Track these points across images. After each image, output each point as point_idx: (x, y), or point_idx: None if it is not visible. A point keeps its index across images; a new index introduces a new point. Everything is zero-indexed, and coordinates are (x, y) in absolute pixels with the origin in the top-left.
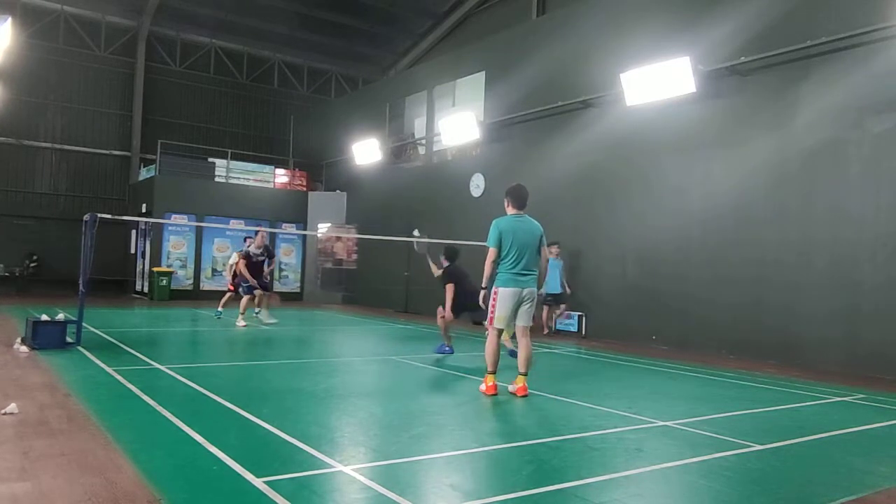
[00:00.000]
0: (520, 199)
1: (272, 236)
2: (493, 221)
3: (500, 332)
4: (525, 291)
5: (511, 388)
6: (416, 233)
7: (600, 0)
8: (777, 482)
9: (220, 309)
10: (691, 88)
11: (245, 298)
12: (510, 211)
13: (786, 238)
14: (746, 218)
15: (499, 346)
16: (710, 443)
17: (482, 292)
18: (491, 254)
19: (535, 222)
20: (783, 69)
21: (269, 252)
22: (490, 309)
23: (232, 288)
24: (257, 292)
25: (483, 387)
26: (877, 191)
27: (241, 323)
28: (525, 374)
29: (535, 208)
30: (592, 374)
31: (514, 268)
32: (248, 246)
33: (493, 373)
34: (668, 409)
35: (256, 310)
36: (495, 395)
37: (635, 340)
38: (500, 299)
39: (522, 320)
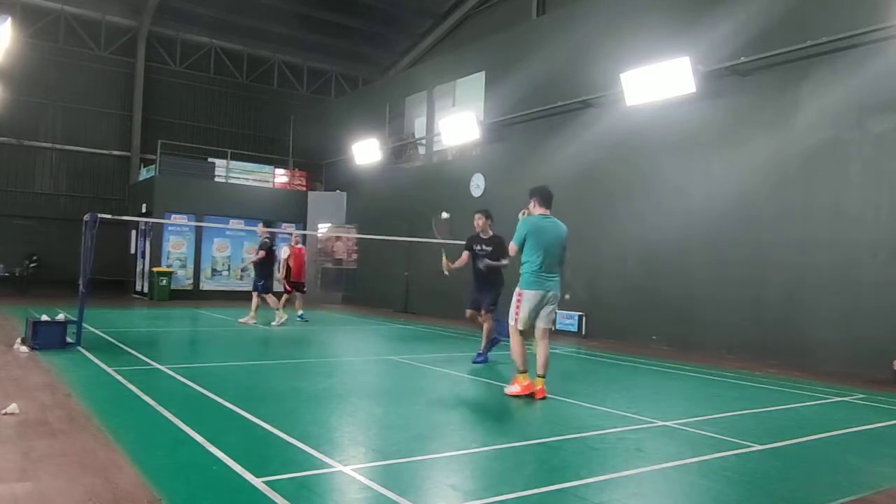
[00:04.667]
0: (547, 198)
1: (272, 236)
2: (521, 219)
3: (523, 333)
4: (549, 294)
5: (512, 390)
6: (444, 215)
7: (600, 0)
8: (777, 482)
9: (300, 312)
10: (691, 88)
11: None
12: (537, 211)
13: (786, 238)
14: (746, 218)
15: (524, 345)
16: (710, 443)
17: None
18: (511, 250)
19: (562, 224)
20: (783, 69)
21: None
22: (515, 309)
23: (288, 288)
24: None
25: (516, 388)
26: (877, 191)
27: (251, 321)
28: (543, 377)
29: None
30: (592, 374)
31: (539, 269)
32: (297, 243)
33: (525, 371)
34: (668, 409)
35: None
36: (531, 395)
37: (635, 340)
38: (524, 300)
39: (543, 322)
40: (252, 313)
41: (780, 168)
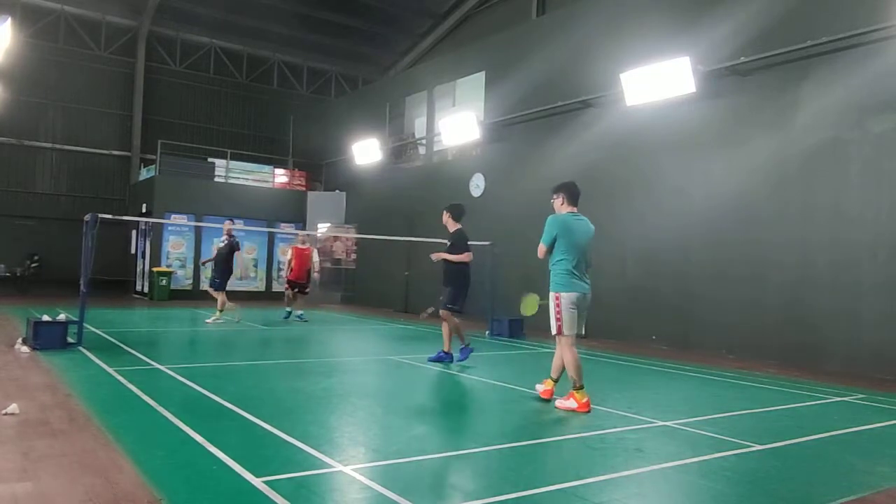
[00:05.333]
0: (575, 195)
1: (270, 236)
2: (549, 218)
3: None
4: (588, 296)
5: (540, 388)
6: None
7: (600, 0)
8: (777, 482)
9: (300, 312)
10: (691, 88)
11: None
12: (564, 209)
13: (786, 238)
14: (746, 218)
15: (577, 354)
16: (710, 443)
17: None
18: (540, 251)
19: (590, 223)
20: (783, 69)
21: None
22: (556, 316)
23: (287, 287)
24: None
25: (571, 404)
26: (877, 191)
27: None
28: (556, 381)
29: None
30: (592, 374)
31: (573, 270)
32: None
33: (583, 387)
34: (668, 409)
35: (299, 312)
36: (589, 411)
37: (635, 340)
38: (564, 303)
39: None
40: (231, 306)
41: (780, 168)
